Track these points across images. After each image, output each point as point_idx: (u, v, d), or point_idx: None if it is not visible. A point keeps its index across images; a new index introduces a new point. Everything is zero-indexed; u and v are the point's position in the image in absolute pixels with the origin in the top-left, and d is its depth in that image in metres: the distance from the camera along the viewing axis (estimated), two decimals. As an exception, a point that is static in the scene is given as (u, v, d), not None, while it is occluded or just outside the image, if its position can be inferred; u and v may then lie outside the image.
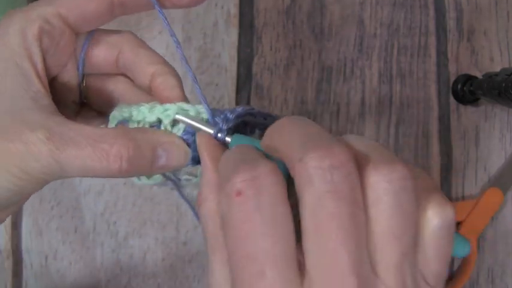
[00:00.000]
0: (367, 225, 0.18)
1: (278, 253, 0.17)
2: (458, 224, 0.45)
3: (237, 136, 0.23)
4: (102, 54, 0.27)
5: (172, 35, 0.24)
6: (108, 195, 0.44)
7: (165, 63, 0.27)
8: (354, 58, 0.47)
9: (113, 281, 0.43)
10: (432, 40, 0.47)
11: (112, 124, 0.25)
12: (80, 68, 0.26)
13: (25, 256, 0.44)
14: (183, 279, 0.44)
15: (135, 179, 0.44)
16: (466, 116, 0.47)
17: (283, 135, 0.20)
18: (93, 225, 0.44)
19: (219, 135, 0.23)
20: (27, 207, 0.44)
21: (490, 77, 0.42)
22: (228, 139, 0.23)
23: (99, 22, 0.26)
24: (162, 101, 0.25)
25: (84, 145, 0.21)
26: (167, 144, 0.23)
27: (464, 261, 0.45)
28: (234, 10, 0.47)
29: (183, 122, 0.24)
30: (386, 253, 0.18)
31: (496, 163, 0.46)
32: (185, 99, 0.26)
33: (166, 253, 0.44)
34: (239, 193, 0.18)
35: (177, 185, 0.27)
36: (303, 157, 0.18)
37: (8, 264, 0.43)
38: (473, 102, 0.46)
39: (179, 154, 0.24)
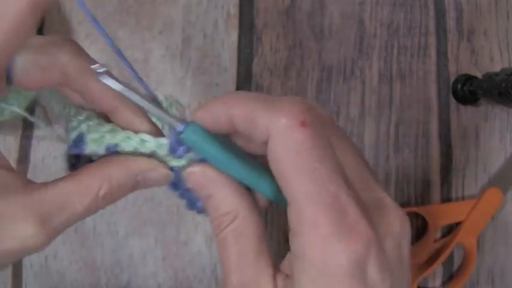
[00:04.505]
0: None
1: None
2: (459, 224, 0.45)
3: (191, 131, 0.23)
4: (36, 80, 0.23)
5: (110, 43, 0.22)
6: (108, 195, 0.44)
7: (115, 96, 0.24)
8: (354, 58, 0.47)
9: (113, 281, 0.43)
10: (432, 40, 0.47)
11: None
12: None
13: (25, 256, 0.44)
14: (183, 279, 0.44)
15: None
16: (466, 116, 0.47)
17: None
18: (93, 225, 0.44)
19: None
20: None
21: (490, 77, 0.42)
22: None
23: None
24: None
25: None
26: (146, 172, 0.24)
27: (464, 261, 0.45)
28: (234, 10, 0.47)
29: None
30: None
31: (496, 163, 0.46)
32: (148, 126, 0.24)
33: (166, 253, 0.44)
34: None
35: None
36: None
37: (8, 264, 0.43)
38: (473, 102, 0.46)
39: (158, 178, 0.24)
